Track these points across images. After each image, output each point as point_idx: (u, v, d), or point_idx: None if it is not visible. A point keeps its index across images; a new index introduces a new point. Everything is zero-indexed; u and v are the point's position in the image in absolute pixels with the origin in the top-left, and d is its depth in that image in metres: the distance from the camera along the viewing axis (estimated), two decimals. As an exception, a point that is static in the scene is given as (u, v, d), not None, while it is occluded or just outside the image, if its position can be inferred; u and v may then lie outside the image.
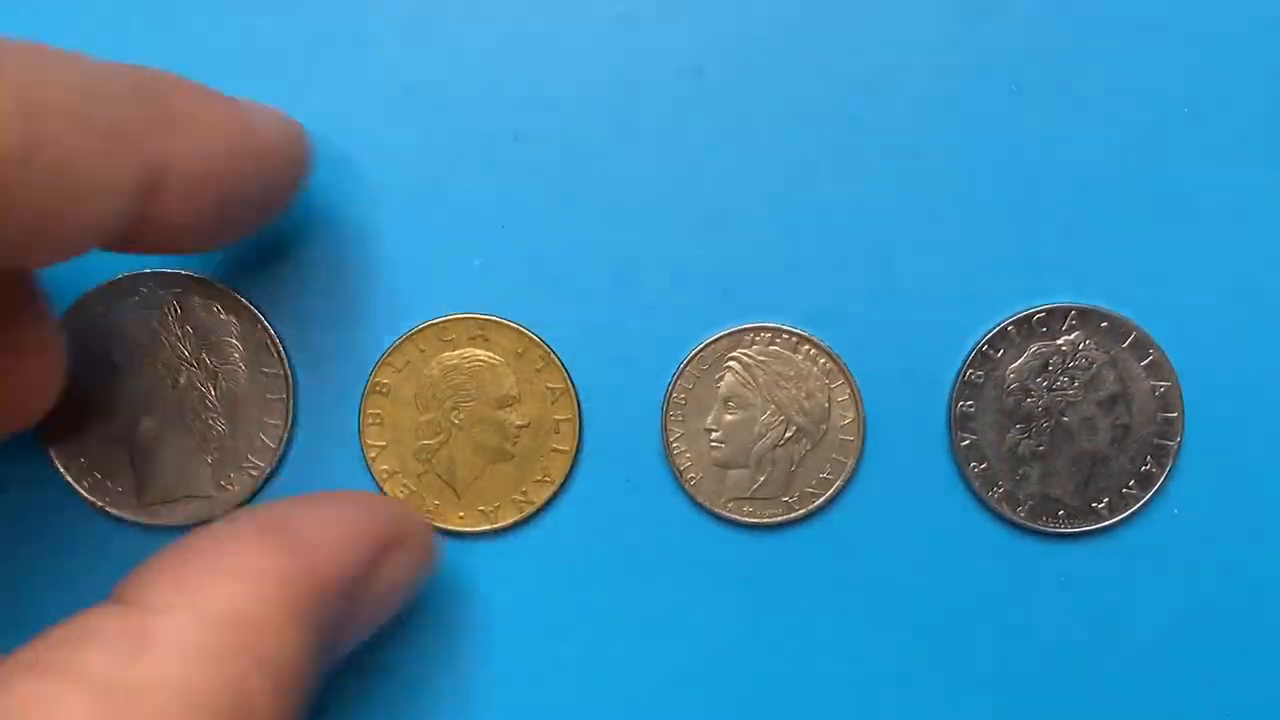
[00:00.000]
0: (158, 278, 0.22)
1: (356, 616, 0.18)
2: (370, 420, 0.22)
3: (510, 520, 0.22)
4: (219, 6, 0.22)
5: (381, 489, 0.22)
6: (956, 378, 0.22)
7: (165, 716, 0.14)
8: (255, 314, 0.22)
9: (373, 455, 0.22)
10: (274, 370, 0.22)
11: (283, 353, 0.22)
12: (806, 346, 0.22)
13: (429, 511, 0.22)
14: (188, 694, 0.15)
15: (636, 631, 0.22)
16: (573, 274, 0.22)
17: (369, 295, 0.22)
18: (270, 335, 0.22)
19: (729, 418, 0.22)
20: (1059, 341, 0.22)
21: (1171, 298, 0.22)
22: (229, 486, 0.22)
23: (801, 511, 0.22)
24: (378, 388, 0.22)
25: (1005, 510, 0.22)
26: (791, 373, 0.22)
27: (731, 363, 0.22)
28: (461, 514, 0.22)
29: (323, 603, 0.17)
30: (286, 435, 0.22)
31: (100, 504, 0.22)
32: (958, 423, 0.22)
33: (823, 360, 0.22)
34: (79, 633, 0.15)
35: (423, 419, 0.22)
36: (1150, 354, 0.22)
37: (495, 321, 0.22)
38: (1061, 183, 0.22)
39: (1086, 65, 0.22)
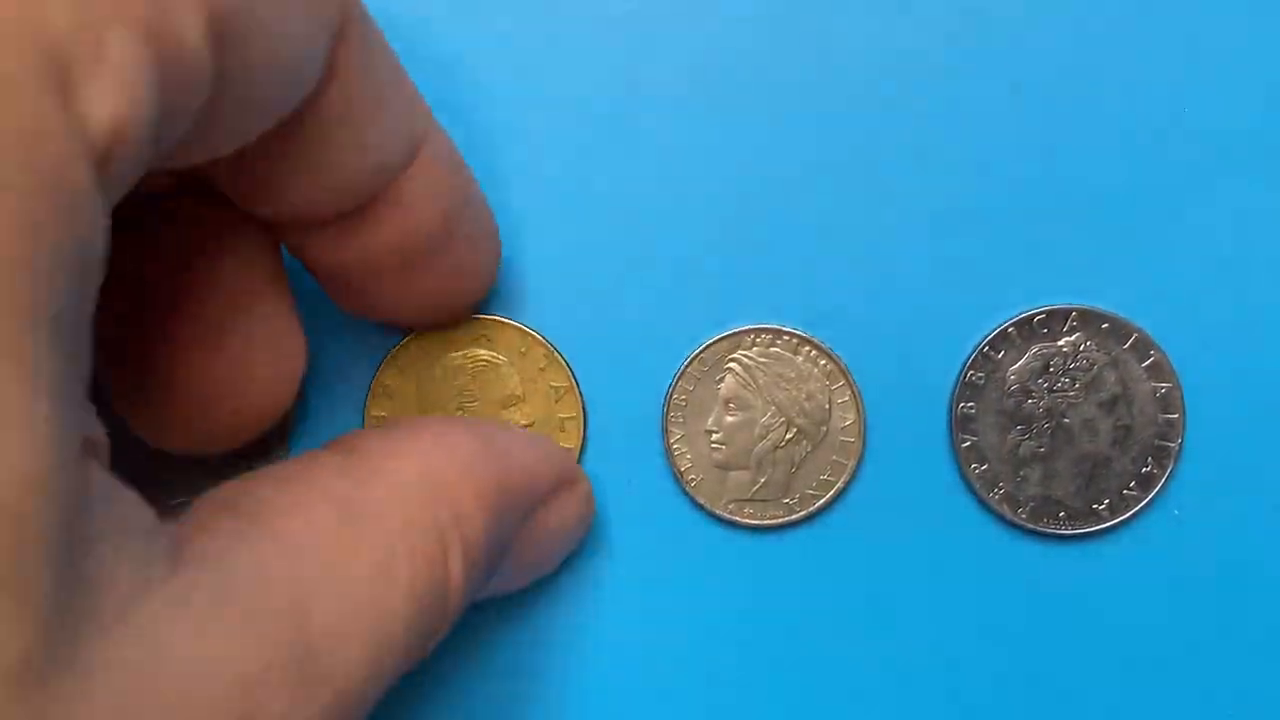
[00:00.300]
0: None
1: (520, 548, 0.19)
2: (374, 422, 0.22)
3: (511, 520, 0.22)
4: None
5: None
6: (957, 379, 0.22)
7: (390, 539, 0.16)
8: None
9: None
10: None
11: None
12: (807, 348, 0.22)
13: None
14: (407, 526, 0.16)
15: (636, 632, 0.22)
16: (573, 275, 0.22)
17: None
18: None
19: (730, 419, 0.22)
20: (1060, 343, 0.22)
21: (1173, 299, 0.22)
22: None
23: (802, 513, 0.22)
24: (382, 389, 0.22)
25: (1006, 512, 0.22)
26: (792, 374, 0.22)
27: (732, 364, 0.22)
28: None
29: (506, 506, 0.18)
30: (289, 437, 0.22)
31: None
32: (958, 424, 0.22)
33: (823, 362, 0.22)
34: (316, 462, 0.17)
35: None
36: (1151, 355, 0.22)
37: (498, 321, 0.22)
38: (1062, 183, 0.22)
39: (1087, 66, 0.22)
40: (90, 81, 0.11)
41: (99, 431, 0.13)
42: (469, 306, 0.22)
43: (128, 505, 0.13)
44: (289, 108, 0.15)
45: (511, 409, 0.22)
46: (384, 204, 0.18)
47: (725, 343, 0.22)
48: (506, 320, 0.22)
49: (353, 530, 0.16)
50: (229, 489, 0.16)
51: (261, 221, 0.18)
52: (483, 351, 0.22)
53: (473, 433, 0.19)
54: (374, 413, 0.22)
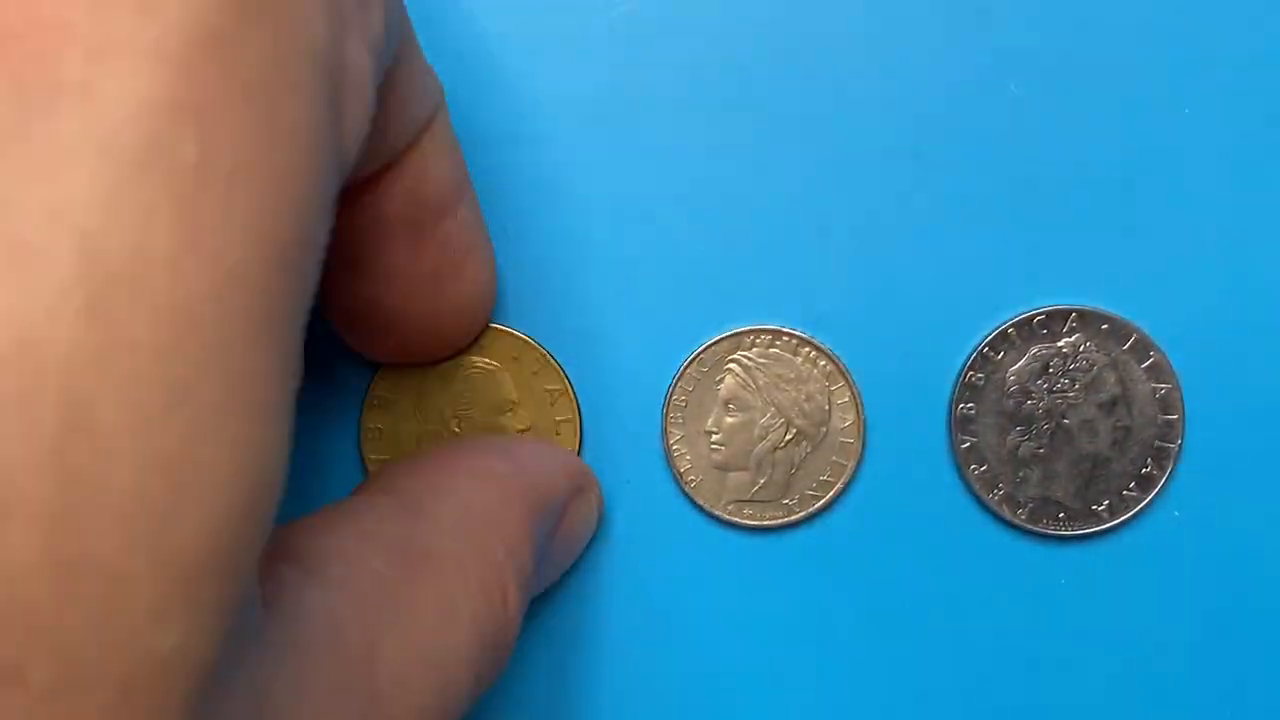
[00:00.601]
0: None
1: (550, 554, 0.20)
2: (370, 435, 0.22)
3: (511, 525, 0.22)
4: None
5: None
6: (957, 380, 0.22)
7: (450, 580, 0.16)
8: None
9: (374, 469, 0.22)
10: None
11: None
12: (807, 349, 0.22)
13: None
14: (464, 565, 0.16)
15: (635, 634, 0.22)
16: (572, 276, 0.22)
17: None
18: None
19: (729, 420, 0.22)
20: (1060, 344, 0.22)
21: (1172, 299, 0.22)
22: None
23: (801, 514, 0.22)
24: (376, 401, 0.22)
25: (1006, 512, 0.22)
26: (792, 375, 0.22)
27: (732, 365, 0.22)
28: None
29: (541, 526, 0.18)
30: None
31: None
32: (958, 425, 0.22)
33: (823, 363, 0.22)
34: (364, 507, 0.17)
35: (423, 430, 0.22)
36: (1151, 356, 0.22)
37: (491, 327, 0.22)
38: (1061, 183, 0.22)
39: (1087, 66, 0.22)
40: (344, 92, 0.12)
41: None
42: (462, 321, 0.21)
43: None
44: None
45: (507, 414, 0.22)
46: (400, 163, 0.18)
47: (725, 343, 0.22)
48: (499, 326, 0.22)
49: (413, 575, 0.16)
50: (281, 538, 0.16)
51: None
52: (476, 358, 0.22)
53: (502, 458, 0.19)
54: (370, 424, 0.22)
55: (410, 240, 0.18)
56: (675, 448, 0.22)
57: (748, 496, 0.22)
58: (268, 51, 0.11)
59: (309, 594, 0.14)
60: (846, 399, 0.22)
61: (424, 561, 0.16)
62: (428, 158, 0.18)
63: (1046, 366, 0.22)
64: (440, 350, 0.21)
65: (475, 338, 0.22)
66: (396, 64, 0.16)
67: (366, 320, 0.20)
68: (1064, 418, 0.22)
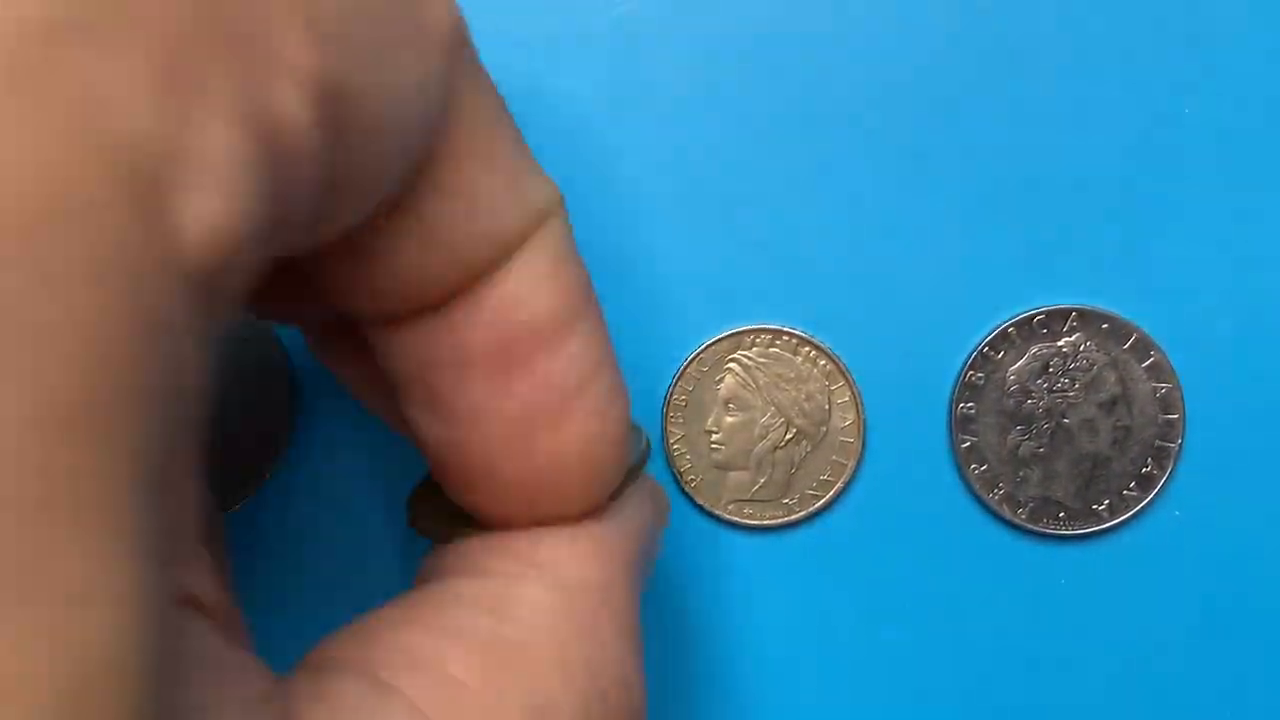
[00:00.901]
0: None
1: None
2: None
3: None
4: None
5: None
6: (957, 379, 0.22)
7: (547, 675, 0.14)
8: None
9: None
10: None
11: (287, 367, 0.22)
12: (807, 348, 0.22)
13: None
14: (563, 661, 0.15)
15: (638, 634, 0.22)
16: (572, 276, 0.22)
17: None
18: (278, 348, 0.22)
19: (729, 419, 0.22)
20: (1060, 343, 0.22)
21: (1173, 299, 0.22)
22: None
23: (802, 513, 0.22)
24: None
25: (1006, 512, 0.22)
26: (792, 374, 0.22)
27: (732, 364, 0.22)
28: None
29: (645, 576, 0.17)
30: (285, 450, 0.22)
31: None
32: (958, 425, 0.22)
33: (823, 362, 0.22)
34: (448, 596, 0.15)
35: None
36: (1151, 356, 0.22)
37: None
38: (1061, 183, 0.22)
39: (1087, 66, 0.22)
40: (181, 187, 0.09)
41: (209, 590, 0.12)
42: (566, 479, 0.16)
43: (234, 671, 0.12)
44: (403, 173, 0.13)
45: None
46: (483, 284, 0.15)
47: (725, 343, 0.22)
48: None
49: (499, 678, 0.14)
50: (347, 637, 0.14)
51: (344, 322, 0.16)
52: None
53: (599, 514, 0.16)
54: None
55: (495, 375, 0.15)
56: (675, 447, 0.22)
57: (748, 496, 0.22)
58: (41, 177, 0.08)
59: (378, 715, 0.13)
60: (847, 398, 0.22)
61: (514, 658, 0.14)
62: (521, 280, 0.15)
63: (1047, 366, 0.22)
64: (545, 509, 0.17)
65: (595, 498, 0.17)
66: (443, 166, 0.14)
67: (450, 468, 0.16)
68: (1064, 417, 0.22)
